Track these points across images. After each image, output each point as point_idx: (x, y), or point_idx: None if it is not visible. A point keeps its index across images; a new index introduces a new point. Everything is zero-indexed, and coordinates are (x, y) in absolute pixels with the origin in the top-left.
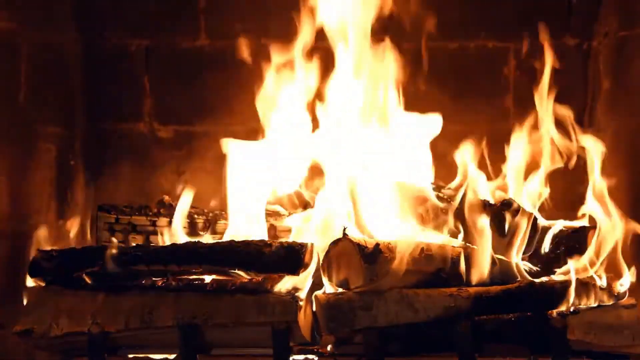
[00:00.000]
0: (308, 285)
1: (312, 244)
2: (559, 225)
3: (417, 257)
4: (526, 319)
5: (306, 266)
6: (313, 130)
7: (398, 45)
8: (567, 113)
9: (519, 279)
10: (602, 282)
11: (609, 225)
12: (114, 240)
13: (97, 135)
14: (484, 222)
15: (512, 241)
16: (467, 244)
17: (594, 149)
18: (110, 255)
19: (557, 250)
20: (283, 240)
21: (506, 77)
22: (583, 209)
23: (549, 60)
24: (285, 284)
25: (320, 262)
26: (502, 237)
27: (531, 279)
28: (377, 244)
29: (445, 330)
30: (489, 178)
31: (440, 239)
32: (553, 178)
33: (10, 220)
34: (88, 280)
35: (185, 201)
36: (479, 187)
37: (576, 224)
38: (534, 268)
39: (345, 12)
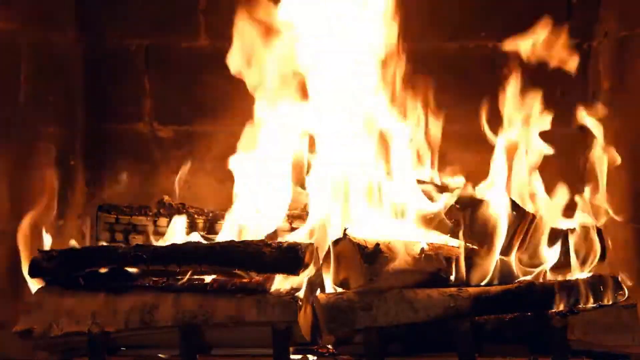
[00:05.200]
0: (308, 285)
1: (312, 244)
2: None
3: (417, 257)
4: (526, 319)
5: (306, 266)
6: (314, 130)
7: (398, 45)
8: None
9: (520, 278)
10: (602, 281)
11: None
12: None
13: (97, 135)
14: (490, 223)
15: (513, 241)
16: (468, 244)
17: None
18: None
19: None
20: (283, 240)
21: (506, 77)
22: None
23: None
24: (285, 284)
25: (321, 262)
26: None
27: (532, 279)
28: (377, 244)
29: (445, 330)
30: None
31: (440, 239)
32: (553, 177)
33: (11, 220)
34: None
35: None
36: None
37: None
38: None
39: (345, 13)
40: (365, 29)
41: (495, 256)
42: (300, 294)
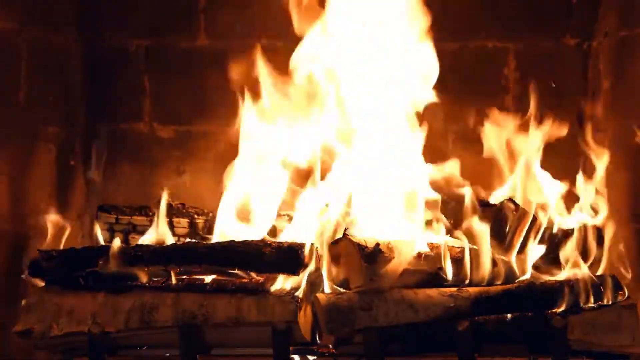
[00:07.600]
0: (308, 285)
1: (312, 244)
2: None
3: (417, 257)
4: (526, 319)
5: (306, 266)
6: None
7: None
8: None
9: (519, 278)
10: (602, 281)
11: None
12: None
13: (97, 136)
14: (483, 222)
15: (513, 241)
16: (467, 244)
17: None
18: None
19: (557, 250)
20: (283, 240)
21: (506, 77)
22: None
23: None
24: (285, 284)
25: (321, 262)
26: (503, 237)
27: (531, 279)
28: (377, 244)
29: (445, 330)
30: (489, 178)
31: (440, 238)
32: (553, 177)
33: (10, 220)
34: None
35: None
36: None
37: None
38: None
39: (346, 14)
40: (365, 28)
41: (489, 255)
42: (300, 294)
